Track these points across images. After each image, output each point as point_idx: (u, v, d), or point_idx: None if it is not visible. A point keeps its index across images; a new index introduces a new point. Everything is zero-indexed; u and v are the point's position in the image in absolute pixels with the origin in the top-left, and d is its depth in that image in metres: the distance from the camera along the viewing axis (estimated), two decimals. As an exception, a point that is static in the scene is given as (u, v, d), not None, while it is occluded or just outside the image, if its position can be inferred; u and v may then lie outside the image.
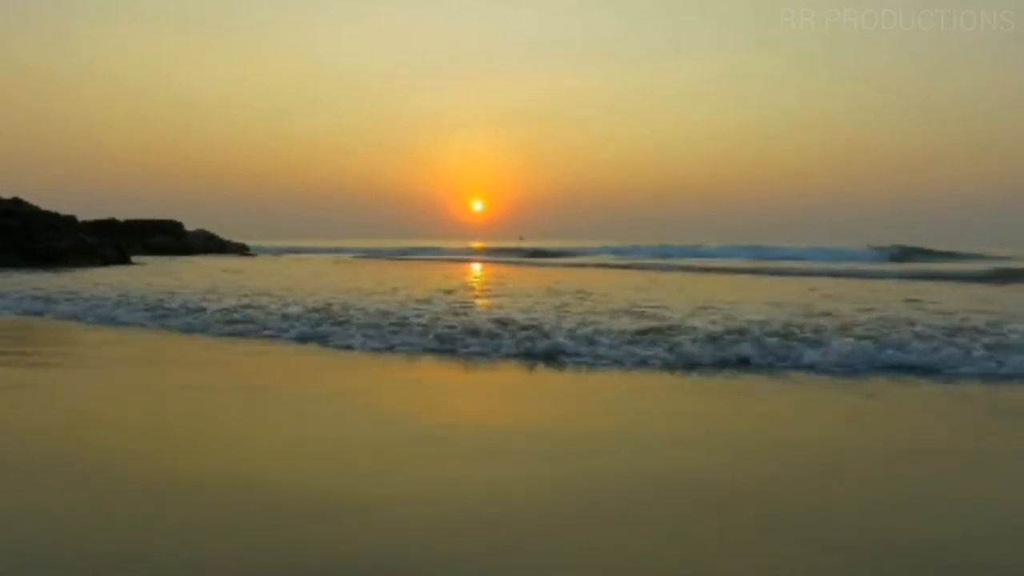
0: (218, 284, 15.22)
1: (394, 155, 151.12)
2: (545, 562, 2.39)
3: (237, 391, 5.36)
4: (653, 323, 7.88)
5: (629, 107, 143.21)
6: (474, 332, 7.23)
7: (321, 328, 7.88)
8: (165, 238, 37.74)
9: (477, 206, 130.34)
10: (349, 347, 7.13)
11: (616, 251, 40.51)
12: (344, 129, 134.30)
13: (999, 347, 6.25)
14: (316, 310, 9.16)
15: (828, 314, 8.84)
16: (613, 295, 12.13)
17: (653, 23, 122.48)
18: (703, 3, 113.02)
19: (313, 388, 5.54)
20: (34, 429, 4.16)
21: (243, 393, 5.28)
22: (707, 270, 24.02)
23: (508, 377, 5.97)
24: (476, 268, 26.65)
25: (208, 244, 40.42)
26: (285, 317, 8.66)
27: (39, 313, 10.21)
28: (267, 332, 7.93)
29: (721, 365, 6.13)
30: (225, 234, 43.82)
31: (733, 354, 6.26)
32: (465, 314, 8.94)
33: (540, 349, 6.56)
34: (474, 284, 16.66)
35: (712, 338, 6.72)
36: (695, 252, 38.20)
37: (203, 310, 9.38)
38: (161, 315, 9.24)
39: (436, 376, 6.10)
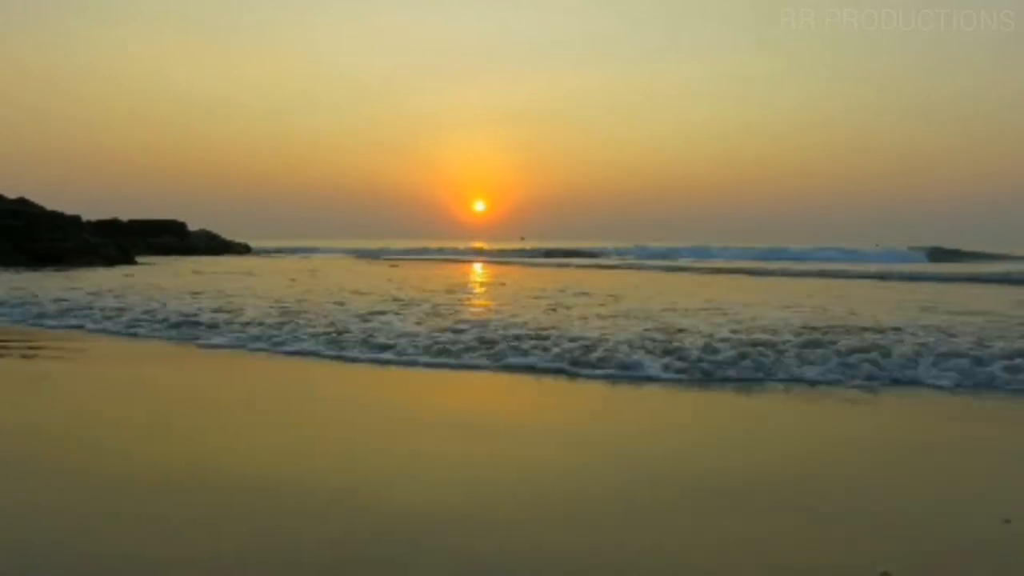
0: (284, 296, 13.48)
1: (394, 155, 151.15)
2: (546, 563, 2.39)
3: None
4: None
5: (629, 107, 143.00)
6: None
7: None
8: (169, 238, 37.78)
9: (478, 206, 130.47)
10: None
11: (627, 251, 40.33)
12: (344, 129, 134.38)
13: None
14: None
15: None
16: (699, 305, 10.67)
17: (653, 23, 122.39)
18: (703, 3, 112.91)
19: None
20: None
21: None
22: (744, 272, 22.91)
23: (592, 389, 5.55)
24: (515, 270, 26.33)
25: (211, 244, 40.45)
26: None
27: None
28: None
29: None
30: (225, 234, 43.90)
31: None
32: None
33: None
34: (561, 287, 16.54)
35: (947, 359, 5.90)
36: (707, 253, 38.15)
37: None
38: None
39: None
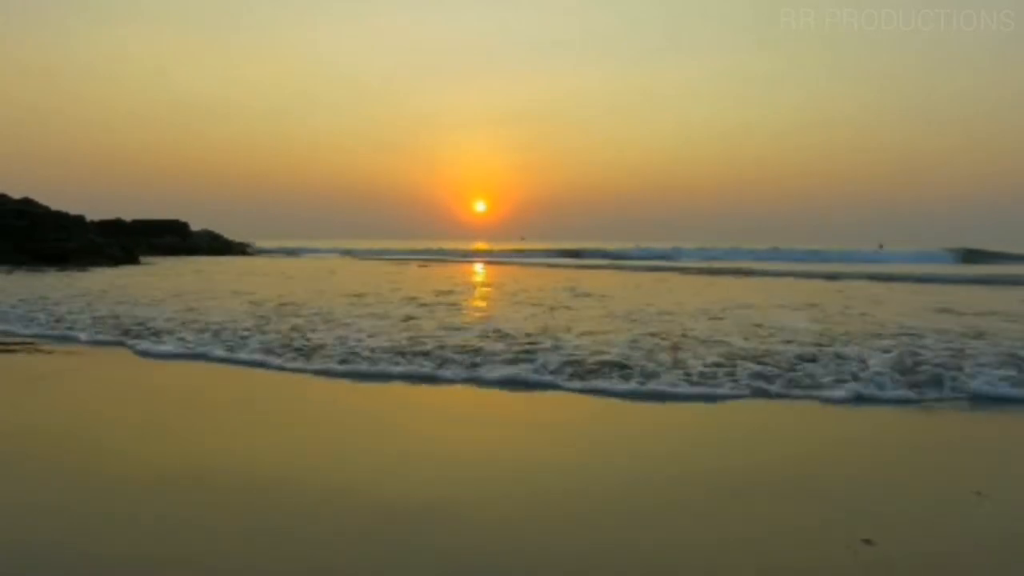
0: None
1: (394, 155, 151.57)
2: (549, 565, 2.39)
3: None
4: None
5: (629, 107, 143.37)
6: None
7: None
8: (172, 238, 37.85)
9: (479, 207, 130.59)
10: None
11: (657, 252, 39.94)
12: (344, 129, 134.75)
13: None
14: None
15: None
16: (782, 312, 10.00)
17: (653, 23, 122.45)
18: (703, 3, 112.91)
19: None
20: None
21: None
22: (796, 275, 21.41)
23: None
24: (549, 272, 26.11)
25: (213, 244, 40.53)
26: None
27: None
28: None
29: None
30: (226, 234, 43.97)
31: None
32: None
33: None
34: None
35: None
36: (737, 254, 37.86)
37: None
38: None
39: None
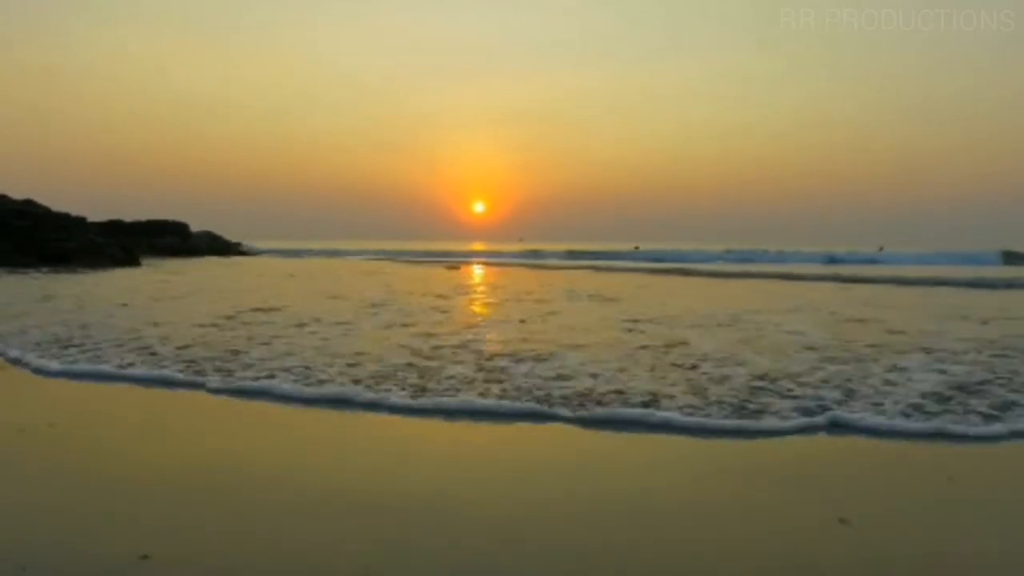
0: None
1: (394, 155, 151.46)
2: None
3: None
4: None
5: (629, 107, 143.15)
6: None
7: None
8: (172, 239, 37.85)
9: (478, 207, 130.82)
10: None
11: (659, 256, 39.67)
12: (344, 129, 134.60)
13: None
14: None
15: None
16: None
17: (653, 23, 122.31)
18: (703, 3, 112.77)
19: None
20: None
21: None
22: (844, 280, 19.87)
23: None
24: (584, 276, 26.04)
25: (213, 245, 40.51)
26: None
27: None
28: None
29: None
30: (225, 234, 43.91)
31: None
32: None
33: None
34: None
35: None
36: (759, 256, 37.59)
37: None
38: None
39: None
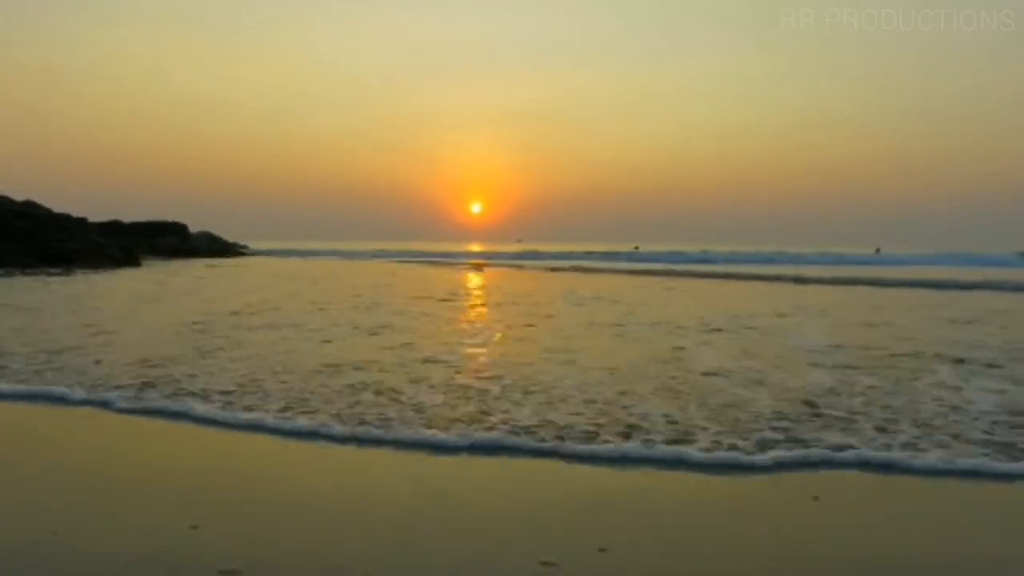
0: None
1: (394, 155, 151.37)
2: None
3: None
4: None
5: (629, 107, 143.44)
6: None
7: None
8: (171, 240, 37.75)
9: (475, 208, 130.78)
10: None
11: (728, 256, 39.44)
12: (344, 129, 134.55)
13: None
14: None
15: None
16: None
17: (653, 23, 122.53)
18: (703, 3, 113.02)
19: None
20: None
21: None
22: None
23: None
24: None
25: (212, 246, 40.41)
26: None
27: None
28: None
29: None
30: (224, 235, 43.81)
31: None
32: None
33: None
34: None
35: None
36: (758, 258, 37.43)
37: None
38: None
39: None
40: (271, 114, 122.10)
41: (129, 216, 38.56)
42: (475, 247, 61.77)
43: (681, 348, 7.16)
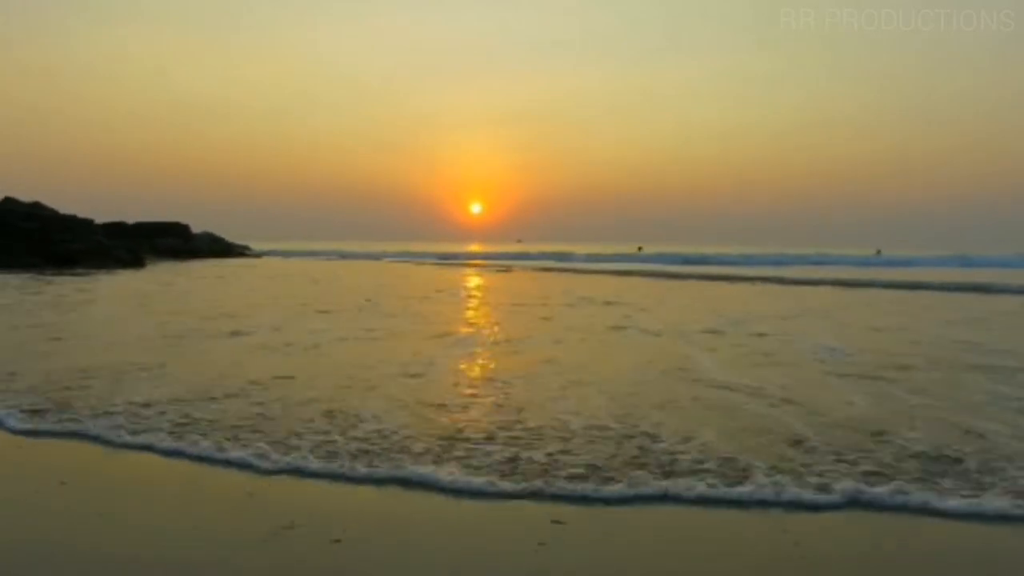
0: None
1: (394, 155, 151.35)
2: None
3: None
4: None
5: (629, 107, 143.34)
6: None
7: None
8: (173, 240, 37.73)
9: (475, 208, 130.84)
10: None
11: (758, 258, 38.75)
12: (344, 129, 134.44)
13: None
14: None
15: None
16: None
17: (653, 23, 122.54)
18: (703, 3, 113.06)
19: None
20: None
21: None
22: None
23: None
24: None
25: (214, 247, 40.38)
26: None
27: None
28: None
29: None
30: (225, 235, 43.78)
31: None
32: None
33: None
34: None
35: None
36: (765, 259, 37.16)
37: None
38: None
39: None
40: (271, 114, 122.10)
41: (130, 216, 38.54)
42: (475, 247, 61.77)
43: (712, 348, 7.07)
